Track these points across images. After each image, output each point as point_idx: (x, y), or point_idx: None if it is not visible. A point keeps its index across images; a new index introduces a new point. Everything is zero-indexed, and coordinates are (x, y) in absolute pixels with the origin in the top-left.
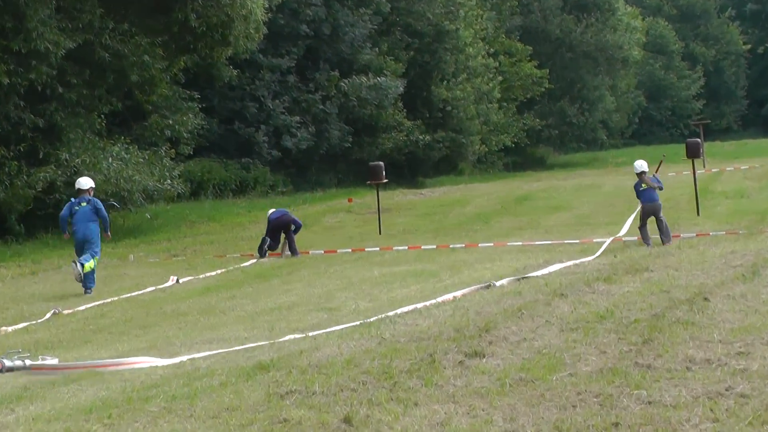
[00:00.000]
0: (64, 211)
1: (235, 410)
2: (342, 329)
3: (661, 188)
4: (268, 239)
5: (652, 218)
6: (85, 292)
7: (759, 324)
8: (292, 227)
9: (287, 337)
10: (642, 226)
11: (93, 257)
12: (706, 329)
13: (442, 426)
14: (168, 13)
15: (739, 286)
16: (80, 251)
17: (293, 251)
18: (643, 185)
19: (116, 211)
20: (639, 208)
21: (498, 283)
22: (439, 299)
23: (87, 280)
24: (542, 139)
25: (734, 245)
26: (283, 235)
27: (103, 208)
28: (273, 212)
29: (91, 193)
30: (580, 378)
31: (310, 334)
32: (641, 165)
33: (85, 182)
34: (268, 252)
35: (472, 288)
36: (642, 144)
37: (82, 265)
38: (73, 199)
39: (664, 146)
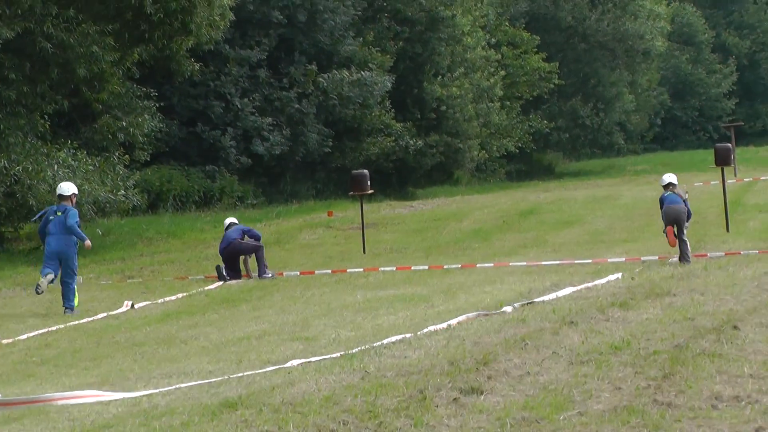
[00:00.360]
0: (42, 222)
1: None
2: (320, 362)
3: (688, 210)
4: (223, 268)
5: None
6: (66, 312)
7: None
8: (247, 253)
9: (258, 371)
10: (678, 234)
11: (73, 291)
12: (736, 362)
13: None
14: None
15: None
16: (51, 261)
17: (262, 272)
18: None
19: None
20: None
21: (500, 310)
22: (432, 328)
23: (70, 308)
24: (551, 143)
25: None
26: (250, 257)
27: (74, 219)
28: (225, 236)
29: (74, 201)
30: (591, 418)
31: (285, 366)
32: (669, 177)
33: (66, 188)
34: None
35: (470, 315)
36: (665, 149)
37: (71, 309)
38: (49, 208)
39: (691, 152)
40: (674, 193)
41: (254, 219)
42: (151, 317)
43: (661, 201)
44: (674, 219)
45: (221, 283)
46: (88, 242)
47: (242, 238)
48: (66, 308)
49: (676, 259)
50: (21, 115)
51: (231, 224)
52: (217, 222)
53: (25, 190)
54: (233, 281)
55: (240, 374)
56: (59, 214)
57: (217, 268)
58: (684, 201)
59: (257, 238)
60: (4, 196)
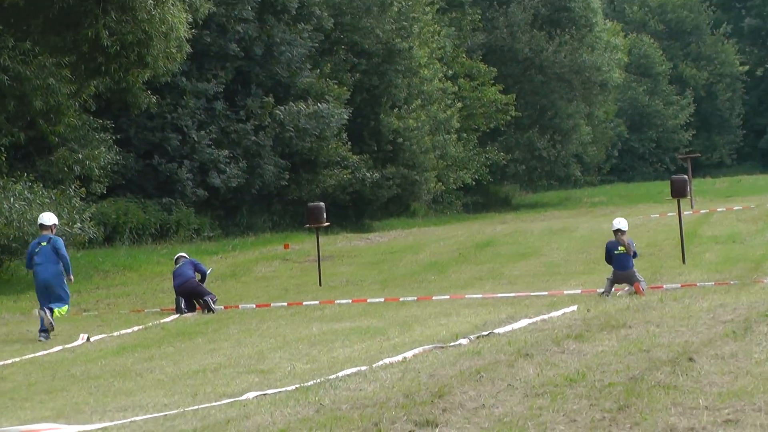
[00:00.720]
0: (27, 254)
1: None
2: (276, 394)
3: (635, 255)
4: (183, 301)
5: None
6: (40, 338)
7: (750, 388)
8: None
9: (213, 404)
10: (605, 293)
11: (65, 304)
12: (691, 394)
13: None
14: (76, 29)
15: (728, 344)
16: (42, 296)
17: (212, 302)
18: (620, 248)
19: (19, 259)
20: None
21: (455, 342)
22: (387, 360)
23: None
24: (507, 175)
25: (724, 298)
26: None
27: (63, 247)
28: (176, 270)
29: (54, 231)
30: None
31: (240, 398)
32: (619, 222)
33: (47, 218)
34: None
35: (425, 347)
36: (622, 181)
37: (52, 311)
38: (33, 241)
39: (647, 183)
40: (622, 240)
41: (210, 251)
42: (106, 350)
43: (609, 251)
44: (624, 281)
45: (177, 316)
46: (71, 276)
47: (194, 273)
48: (49, 309)
49: (627, 289)
50: None
51: (180, 258)
52: (173, 254)
53: None
54: (189, 314)
55: (195, 407)
56: (44, 244)
57: (177, 300)
58: (634, 253)
59: (204, 274)
60: None
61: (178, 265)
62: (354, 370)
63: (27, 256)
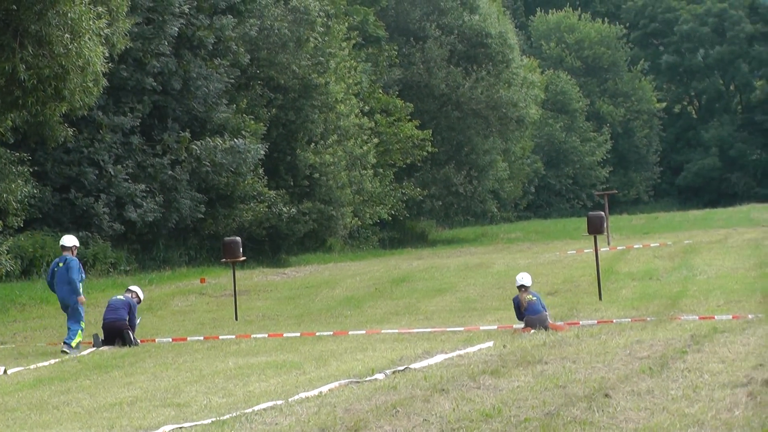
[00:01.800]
0: (48, 273)
1: None
2: (192, 428)
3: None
4: (100, 339)
5: None
6: (66, 348)
7: (667, 424)
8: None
9: None
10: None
11: (76, 332)
12: (607, 430)
13: None
14: None
15: (645, 380)
16: (65, 312)
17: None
18: (522, 305)
19: None
20: (521, 326)
21: (371, 377)
22: (303, 395)
23: (68, 344)
24: (424, 211)
25: (641, 334)
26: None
27: (75, 268)
28: (112, 302)
29: (74, 252)
30: None
31: None
32: (522, 278)
33: (67, 240)
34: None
35: (341, 382)
36: (539, 217)
37: (69, 345)
38: (54, 261)
39: (564, 220)
40: (531, 302)
41: (127, 285)
42: (23, 383)
43: (517, 308)
44: (538, 324)
45: (92, 349)
46: (81, 297)
47: (126, 316)
48: (64, 343)
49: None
50: None
51: (128, 292)
52: (90, 288)
53: None
54: (105, 347)
55: None
56: (61, 265)
57: (95, 336)
58: (542, 305)
59: (133, 326)
60: None
61: (118, 297)
62: (270, 404)
63: (48, 276)
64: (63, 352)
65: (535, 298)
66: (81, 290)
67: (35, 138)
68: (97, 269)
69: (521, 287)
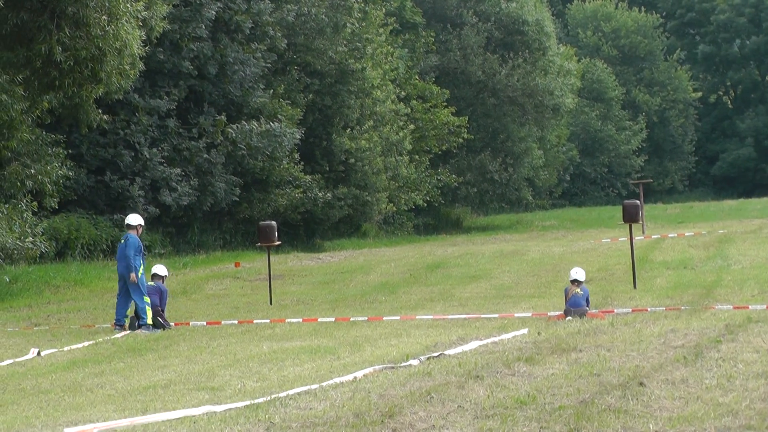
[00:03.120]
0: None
1: None
2: (226, 412)
3: (588, 303)
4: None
5: None
6: (144, 329)
7: (701, 413)
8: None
9: (163, 419)
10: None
11: (144, 309)
12: (641, 418)
13: None
14: (29, 45)
15: (679, 369)
16: (122, 287)
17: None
18: (568, 296)
19: None
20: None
21: (406, 363)
22: (337, 380)
23: (144, 325)
24: (459, 197)
25: (675, 323)
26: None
27: (133, 247)
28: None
29: (139, 231)
30: None
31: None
32: (576, 273)
33: (131, 219)
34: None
35: (375, 367)
36: (573, 205)
37: (146, 324)
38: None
39: (599, 208)
40: (576, 294)
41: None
42: (57, 365)
43: (565, 294)
44: (575, 314)
45: (127, 332)
46: (133, 275)
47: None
48: (141, 326)
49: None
50: None
51: (155, 277)
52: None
53: None
54: (142, 331)
55: (145, 422)
56: (122, 242)
57: (131, 319)
58: (587, 300)
59: (163, 310)
60: None
61: (149, 283)
62: (304, 388)
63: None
64: (138, 329)
65: (582, 292)
66: (138, 269)
67: (69, 120)
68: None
69: (574, 281)
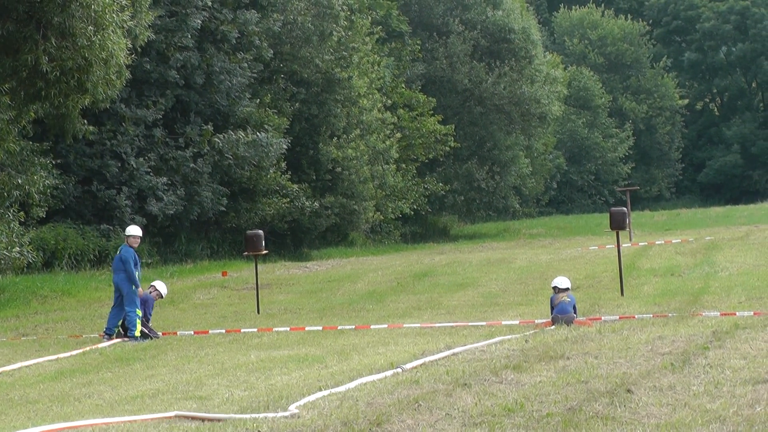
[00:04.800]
0: None
1: None
2: (214, 420)
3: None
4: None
5: None
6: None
7: (688, 420)
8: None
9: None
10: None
11: (134, 321)
12: (629, 425)
13: None
14: (16, 55)
15: (666, 376)
16: (117, 298)
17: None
18: (554, 304)
19: None
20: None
21: (394, 370)
22: (326, 391)
23: (132, 336)
24: (446, 206)
25: (662, 330)
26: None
27: (128, 260)
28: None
29: (136, 243)
30: None
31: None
32: (560, 281)
33: (129, 230)
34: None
35: (363, 376)
36: (560, 213)
37: (133, 336)
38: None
39: (586, 216)
40: (563, 302)
41: (148, 278)
42: (45, 375)
43: (551, 303)
44: (563, 321)
45: (114, 341)
46: (140, 290)
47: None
48: (128, 337)
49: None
50: None
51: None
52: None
53: None
54: (127, 340)
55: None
56: (118, 253)
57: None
58: (573, 307)
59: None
60: None
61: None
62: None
63: None
64: (125, 339)
65: (569, 299)
66: (139, 282)
67: (55, 131)
68: None
69: (555, 288)
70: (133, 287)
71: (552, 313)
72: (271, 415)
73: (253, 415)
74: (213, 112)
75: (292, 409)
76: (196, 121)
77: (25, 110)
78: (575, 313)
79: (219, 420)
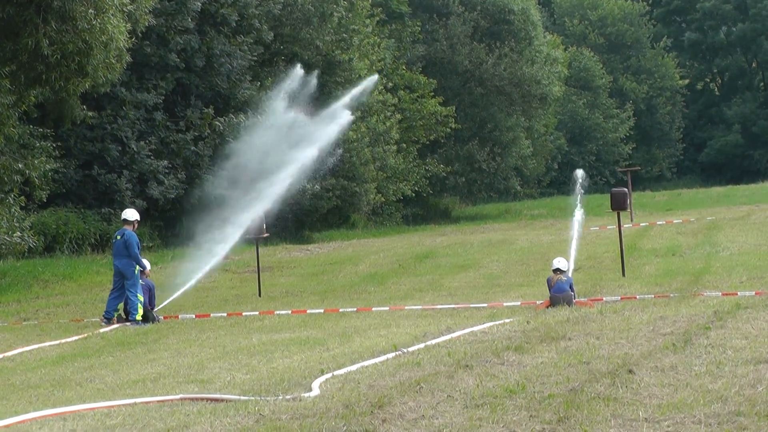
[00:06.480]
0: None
1: None
2: (216, 404)
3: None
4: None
5: None
6: (132, 324)
7: (690, 400)
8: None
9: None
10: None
11: (136, 304)
12: (631, 406)
13: None
14: (16, 39)
15: (668, 356)
16: (116, 280)
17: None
18: (551, 284)
19: None
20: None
21: (396, 352)
22: (328, 375)
23: (133, 320)
24: (447, 187)
25: (664, 310)
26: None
27: (134, 244)
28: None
29: (135, 227)
30: None
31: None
32: (558, 262)
33: (128, 214)
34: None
35: (365, 358)
36: (561, 194)
37: (135, 320)
38: (116, 232)
39: (587, 196)
40: (560, 281)
41: (150, 262)
42: (46, 359)
43: (548, 283)
44: (562, 300)
45: (116, 326)
46: (147, 271)
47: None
48: (130, 321)
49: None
50: None
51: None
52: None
53: None
54: (129, 324)
55: (134, 417)
56: (118, 237)
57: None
58: (570, 286)
59: (153, 306)
60: None
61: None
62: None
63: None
64: (127, 323)
65: (565, 278)
66: (143, 264)
67: (54, 115)
68: None
69: (557, 270)
70: (137, 269)
71: (550, 293)
72: (280, 397)
73: (257, 397)
74: (213, 95)
75: (299, 392)
76: (197, 104)
77: (25, 94)
78: (573, 292)
79: (225, 401)
